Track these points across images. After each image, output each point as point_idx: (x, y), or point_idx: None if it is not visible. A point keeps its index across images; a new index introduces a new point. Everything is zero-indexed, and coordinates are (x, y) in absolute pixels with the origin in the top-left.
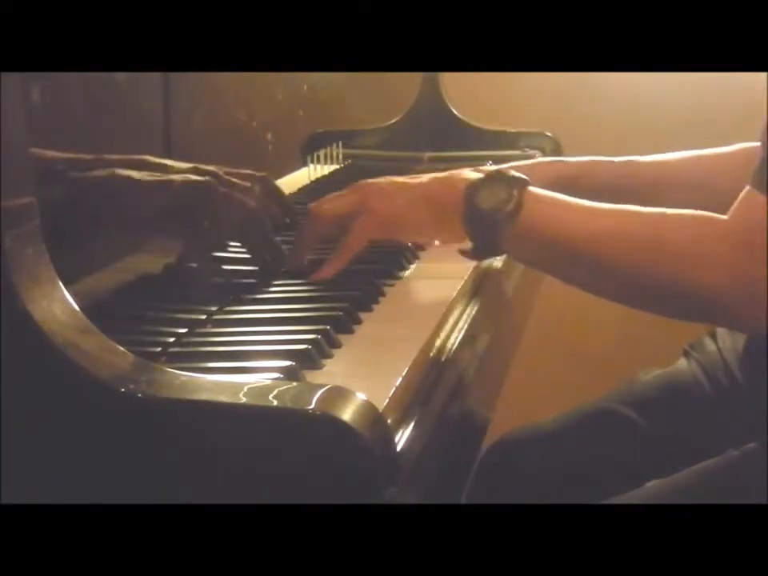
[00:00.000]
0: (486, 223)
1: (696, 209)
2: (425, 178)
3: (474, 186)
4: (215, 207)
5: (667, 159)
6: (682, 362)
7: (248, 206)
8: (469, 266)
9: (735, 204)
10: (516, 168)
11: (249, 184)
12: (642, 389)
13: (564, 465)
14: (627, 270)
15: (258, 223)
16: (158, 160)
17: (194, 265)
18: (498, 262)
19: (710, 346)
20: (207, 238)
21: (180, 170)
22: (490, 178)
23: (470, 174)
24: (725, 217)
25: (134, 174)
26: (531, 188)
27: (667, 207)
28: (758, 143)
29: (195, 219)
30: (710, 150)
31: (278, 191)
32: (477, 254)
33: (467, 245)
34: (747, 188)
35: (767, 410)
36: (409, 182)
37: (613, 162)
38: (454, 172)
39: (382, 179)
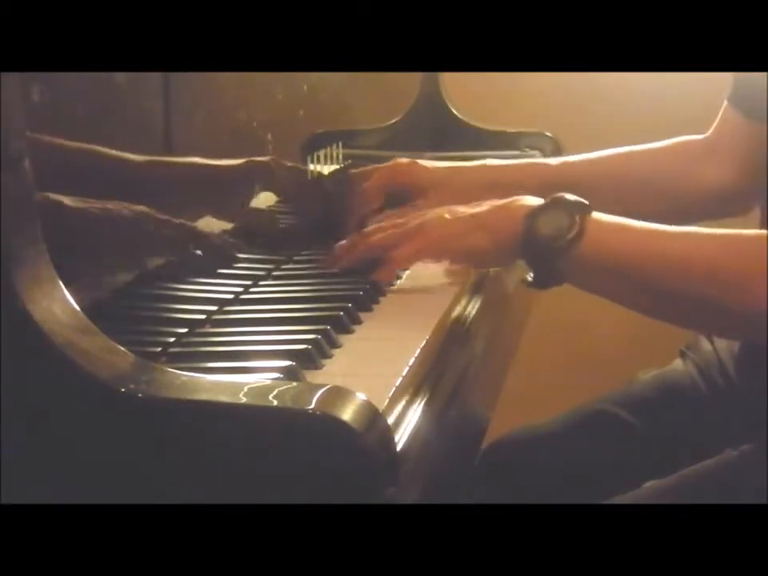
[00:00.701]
0: (547, 251)
1: (636, 201)
2: (484, 205)
3: (533, 213)
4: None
5: (600, 156)
6: (678, 363)
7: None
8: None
9: None
10: (457, 169)
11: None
12: (639, 390)
13: (562, 465)
14: (692, 294)
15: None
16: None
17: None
18: None
19: (706, 346)
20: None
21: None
22: (551, 203)
23: (529, 199)
24: None
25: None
26: (594, 213)
27: (608, 203)
28: (696, 136)
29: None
30: (646, 145)
31: (284, 169)
32: (538, 282)
33: (529, 274)
34: None
35: (764, 409)
36: (467, 210)
37: (548, 164)
38: (514, 198)
39: (442, 208)
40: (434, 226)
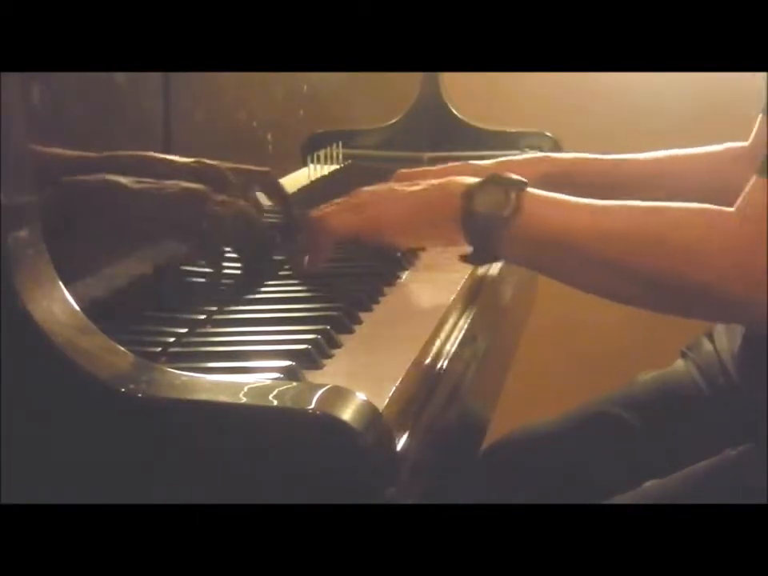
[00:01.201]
0: (484, 227)
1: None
2: (423, 184)
3: (470, 191)
4: (207, 216)
5: (656, 157)
6: (679, 363)
7: (240, 215)
8: (469, 266)
9: (742, 195)
10: (505, 164)
11: (245, 183)
12: (639, 390)
13: (562, 465)
14: (632, 268)
15: (250, 232)
16: (160, 156)
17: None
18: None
19: (707, 346)
20: (200, 245)
21: (182, 164)
22: (487, 181)
23: (467, 179)
24: (731, 209)
25: (125, 180)
26: (530, 190)
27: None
28: (745, 143)
29: (187, 227)
30: (699, 148)
31: (278, 189)
32: (476, 259)
33: (467, 250)
34: (754, 178)
35: (764, 410)
36: (406, 189)
37: (601, 159)
38: (452, 177)
39: (379, 187)
40: (371, 203)
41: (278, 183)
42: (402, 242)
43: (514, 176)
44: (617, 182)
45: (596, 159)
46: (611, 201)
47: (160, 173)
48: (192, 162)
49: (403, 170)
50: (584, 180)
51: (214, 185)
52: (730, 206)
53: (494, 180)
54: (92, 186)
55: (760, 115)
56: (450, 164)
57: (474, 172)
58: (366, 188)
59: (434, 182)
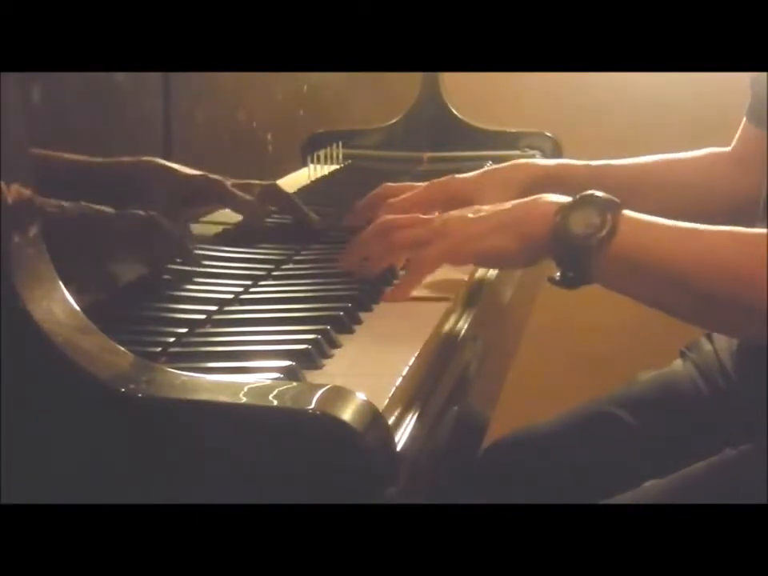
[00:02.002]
0: (578, 249)
1: (673, 209)
2: (507, 204)
3: (564, 210)
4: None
5: (641, 162)
6: (678, 363)
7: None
8: (469, 266)
9: None
10: (490, 173)
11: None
12: (639, 390)
13: (562, 466)
14: (724, 294)
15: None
16: (166, 164)
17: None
18: None
19: (706, 346)
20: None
21: (188, 176)
22: (582, 201)
23: (557, 197)
24: None
25: (105, 210)
26: (625, 211)
27: (646, 209)
28: (723, 148)
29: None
30: (682, 153)
31: (285, 199)
32: (567, 282)
33: (555, 272)
34: None
35: (764, 410)
36: (494, 208)
37: (588, 165)
38: (539, 196)
39: (466, 208)
40: (457, 227)
41: (288, 195)
42: (487, 265)
43: (608, 196)
44: (602, 187)
45: (581, 165)
46: (705, 225)
47: (164, 182)
48: (198, 176)
49: (389, 184)
50: (571, 187)
51: (217, 200)
52: (717, 209)
53: (589, 199)
54: (72, 215)
55: (744, 119)
56: (434, 180)
57: (461, 184)
58: (446, 213)
59: (523, 200)
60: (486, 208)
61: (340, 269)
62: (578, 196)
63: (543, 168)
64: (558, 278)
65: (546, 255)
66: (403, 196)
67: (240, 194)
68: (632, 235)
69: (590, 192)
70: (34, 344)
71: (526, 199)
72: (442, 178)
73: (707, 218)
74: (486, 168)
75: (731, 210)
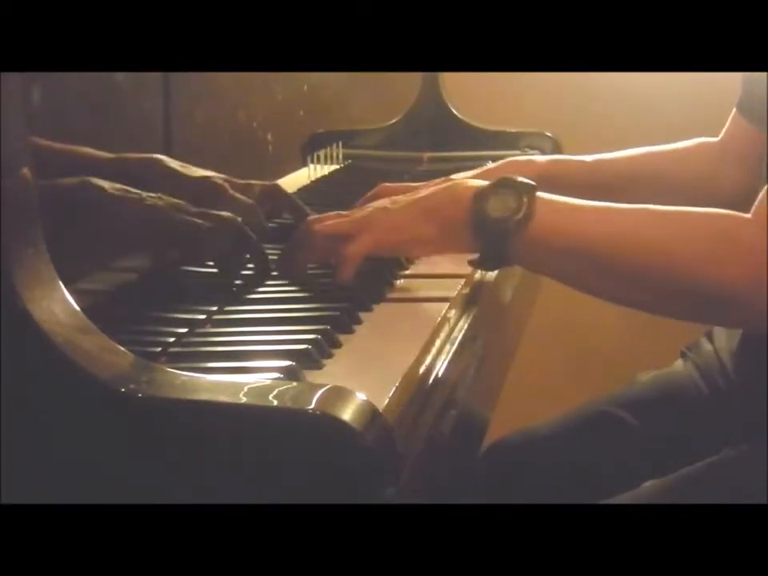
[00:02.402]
0: (496, 232)
1: (663, 201)
2: (427, 190)
3: (481, 195)
4: (185, 227)
5: (634, 154)
6: (679, 364)
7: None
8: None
9: (757, 201)
10: (486, 172)
11: (257, 199)
12: (639, 390)
13: (562, 466)
14: (644, 275)
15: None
16: (172, 164)
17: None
18: None
19: (706, 346)
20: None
21: (188, 179)
22: (498, 185)
23: (473, 182)
24: (747, 216)
25: (106, 185)
26: (541, 193)
27: (638, 201)
28: (711, 139)
29: (166, 237)
30: (672, 144)
31: (286, 199)
32: (485, 263)
33: (475, 255)
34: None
35: (764, 410)
36: (411, 196)
37: (580, 160)
38: (457, 181)
39: (384, 199)
40: (378, 218)
41: (289, 195)
42: (406, 250)
43: (524, 179)
44: (596, 181)
45: (575, 160)
46: (623, 204)
47: (167, 182)
48: (201, 177)
49: (387, 184)
50: (565, 181)
51: (219, 203)
52: (705, 199)
53: (505, 183)
54: (69, 187)
55: (734, 110)
56: (433, 181)
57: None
58: (371, 203)
59: (440, 186)
60: (404, 198)
61: (287, 278)
62: (494, 180)
63: (539, 165)
64: (477, 260)
65: (466, 239)
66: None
67: (241, 197)
68: (548, 217)
69: (506, 176)
70: (34, 344)
71: (442, 185)
72: (441, 179)
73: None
74: (482, 167)
75: (723, 200)
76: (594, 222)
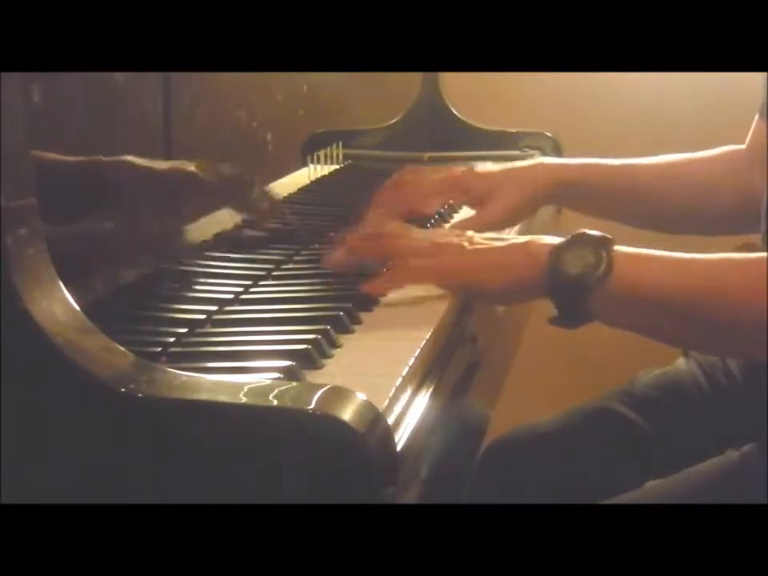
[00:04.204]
0: (576, 289)
1: (697, 206)
2: (502, 243)
3: (558, 252)
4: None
5: (663, 161)
6: (681, 362)
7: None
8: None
9: None
10: (512, 170)
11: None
12: (641, 389)
13: (563, 465)
14: (734, 324)
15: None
16: (140, 162)
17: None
18: None
19: None
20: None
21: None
22: (575, 241)
23: (548, 239)
24: None
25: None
26: (618, 247)
27: (672, 206)
28: (739, 146)
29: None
30: (699, 153)
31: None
32: (566, 321)
33: (553, 311)
34: None
35: (765, 410)
36: (487, 246)
37: (611, 164)
38: (533, 238)
39: (462, 234)
40: (453, 253)
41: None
42: (475, 297)
43: (600, 233)
44: (633, 185)
45: (606, 165)
46: (696, 255)
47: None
48: (171, 169)
49: (410, 167)
50: (597, 187)
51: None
52: (737, 206)
53: (581, 239)
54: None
55: (756, 117)
56: (454, 169)
57: (481, 181)
58: (446, 231)
59: (516, 241)
60: (484, 240)
61: (326, 267)
62: (569, 236)
63: (566, 169)
64: (557, 318)
65: (537, 297)
66: (425, 177)
67: (214, 178)
68: (628, 271)
69: (581, 231)
70: (34, 344)
71: (519, 241)
72: (464, 168)
73: (728, 215)
74: (508, 165)
75: (752, 207)
76: (672, 272)
